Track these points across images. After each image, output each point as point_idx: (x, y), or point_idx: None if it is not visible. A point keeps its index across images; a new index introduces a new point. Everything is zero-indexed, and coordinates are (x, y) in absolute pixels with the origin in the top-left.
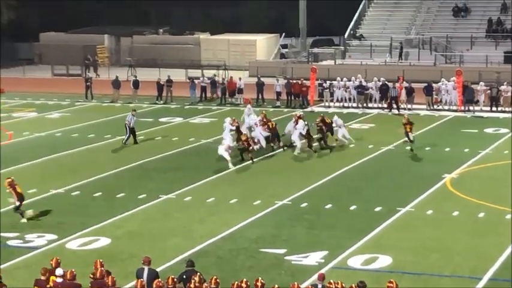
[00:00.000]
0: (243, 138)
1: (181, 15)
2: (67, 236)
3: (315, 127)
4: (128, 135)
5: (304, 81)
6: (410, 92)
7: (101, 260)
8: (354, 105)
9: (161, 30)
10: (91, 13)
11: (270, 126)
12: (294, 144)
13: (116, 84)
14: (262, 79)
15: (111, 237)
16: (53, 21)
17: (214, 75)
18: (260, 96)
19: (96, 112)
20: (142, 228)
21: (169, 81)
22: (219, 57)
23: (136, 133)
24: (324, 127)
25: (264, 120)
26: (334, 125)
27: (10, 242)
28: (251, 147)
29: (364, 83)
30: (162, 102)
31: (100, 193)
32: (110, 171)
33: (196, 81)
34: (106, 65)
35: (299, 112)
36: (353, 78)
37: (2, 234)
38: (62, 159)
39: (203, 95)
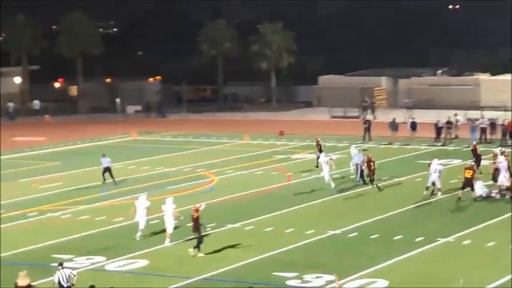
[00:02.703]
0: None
1: (461, 56)
2: (343, 278)
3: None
4: (358, 175)
5: None
6: None
7: None
8: None
9: (439, 71)
10: (369, 56)
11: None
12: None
13: (393, 126)
14: None
15: (388, 280)
16: (332, 64)
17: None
18: None
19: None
20: (420, 271)
21: (448, 123)
22: (499, 98)
23: (415, 174)
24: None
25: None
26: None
27: (289, 282)
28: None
29: None
30: (440, 144)
31: (377, 235)
32: (388, 212)
33: (476, 122)
34: (383, 107)
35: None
36: None
37: (280, 273)
38: (340, 201)
39: (483, 137)
